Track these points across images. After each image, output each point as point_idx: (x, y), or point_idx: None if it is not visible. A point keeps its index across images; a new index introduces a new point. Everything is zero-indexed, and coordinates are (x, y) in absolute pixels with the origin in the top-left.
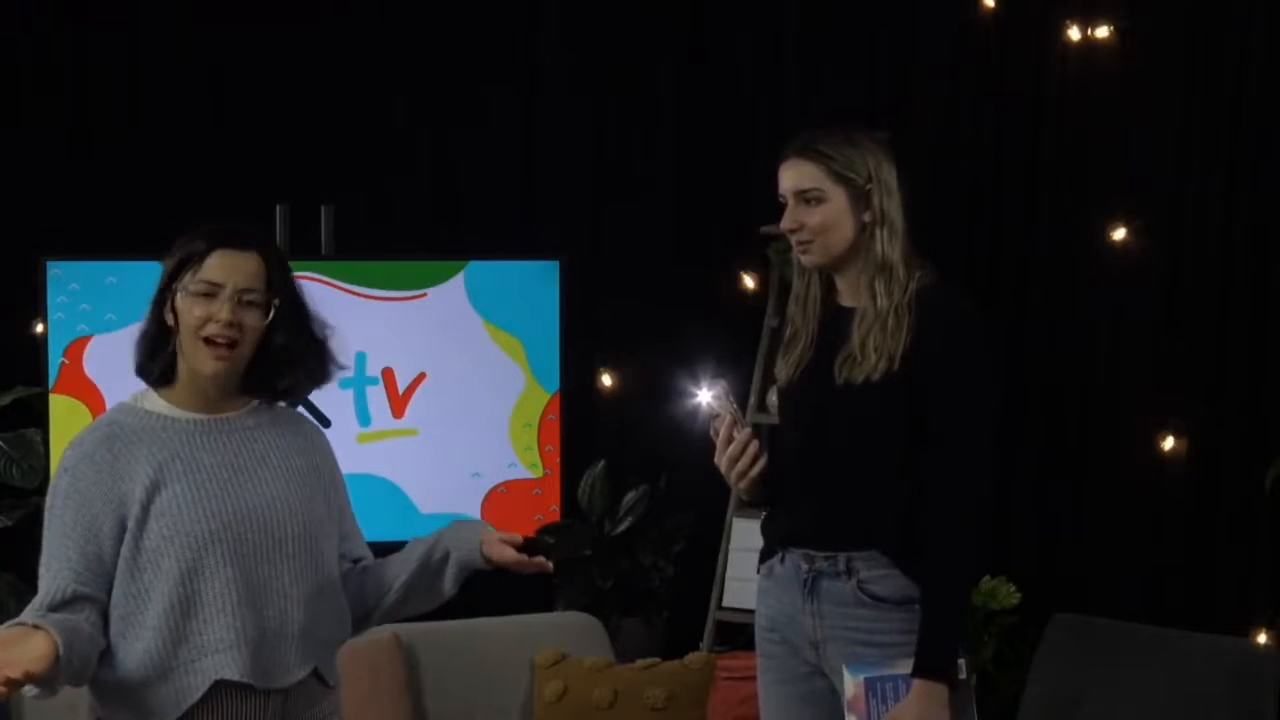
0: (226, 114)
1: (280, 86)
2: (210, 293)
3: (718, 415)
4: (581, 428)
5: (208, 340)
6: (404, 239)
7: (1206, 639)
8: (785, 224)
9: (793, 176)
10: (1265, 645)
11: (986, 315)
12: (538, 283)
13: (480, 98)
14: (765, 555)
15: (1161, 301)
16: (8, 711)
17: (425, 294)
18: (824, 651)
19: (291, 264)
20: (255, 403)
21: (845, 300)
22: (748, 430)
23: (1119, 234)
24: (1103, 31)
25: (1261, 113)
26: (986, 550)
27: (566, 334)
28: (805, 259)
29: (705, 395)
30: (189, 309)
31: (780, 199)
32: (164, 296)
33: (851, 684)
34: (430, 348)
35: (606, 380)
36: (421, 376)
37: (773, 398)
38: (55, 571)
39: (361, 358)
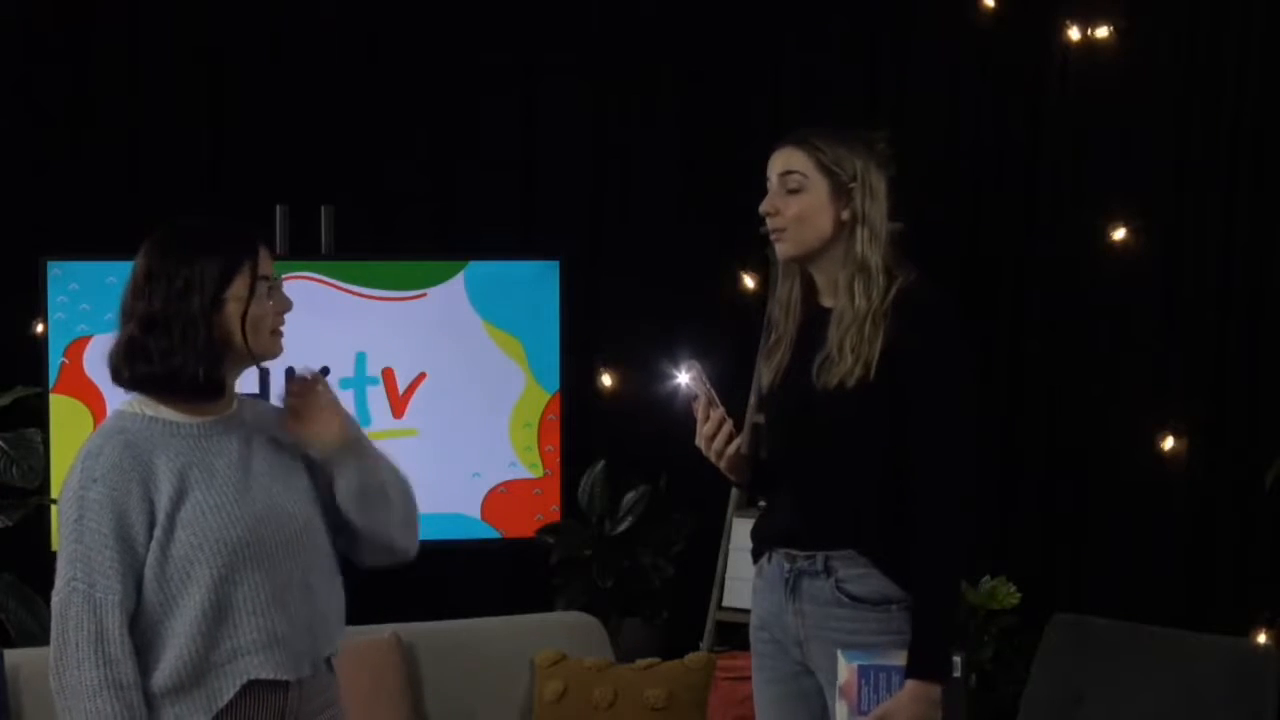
0: (226, 114)
1: (280, 86)
2: (271, 287)
3: (695, 396)
4: (581, 428)
5: (273, 331)
6: (404, 239)
7: (1206, 639)
8: (763, 206)
9: (779, 161)
10: (1265, 645)
11: (960, 308)
12: (538, 283)
13: (480, 98)
14: (755, 555)
15: (1161, 301)
16: (7, 711)
17: (425, 294)
18: (808, 650)
19: (292, 264)
20: (235, 398)
21: (824, 300)
22: (720, 410)
23: (1119, 234)
24: (1103, 31)
25: (1261, 113)
26: (973, 549)
27: (566, 334)
28: (779, 248)
29: (682, 377)
30: (264, 308)
31: (767, 185)
32: (215, 305)
33: (845, 669)
34: (430, 348)
35: (606, 380)
36: (421, 376)
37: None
38: (103, 588)
39: (361, 358)
